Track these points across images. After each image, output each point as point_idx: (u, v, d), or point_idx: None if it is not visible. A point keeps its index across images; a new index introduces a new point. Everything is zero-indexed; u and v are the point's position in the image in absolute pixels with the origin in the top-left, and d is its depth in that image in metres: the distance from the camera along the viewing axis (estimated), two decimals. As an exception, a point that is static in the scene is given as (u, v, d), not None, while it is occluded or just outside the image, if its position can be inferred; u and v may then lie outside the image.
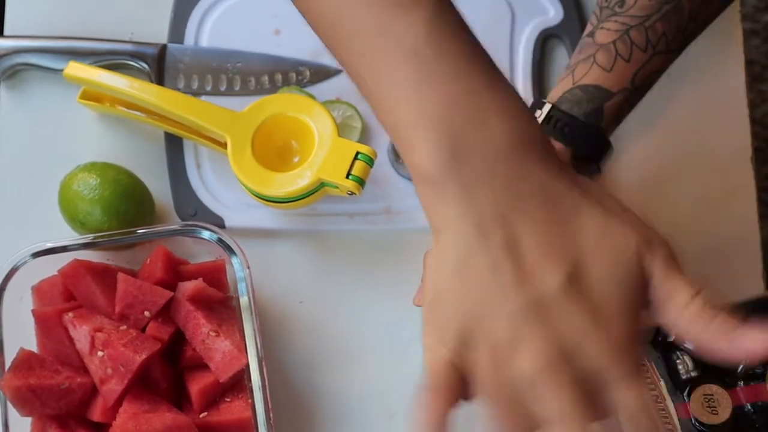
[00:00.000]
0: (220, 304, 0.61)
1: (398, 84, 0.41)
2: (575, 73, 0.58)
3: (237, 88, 0.69)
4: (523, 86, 0.68)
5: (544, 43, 0.69)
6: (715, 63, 0.69)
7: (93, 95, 0.67)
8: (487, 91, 0.41)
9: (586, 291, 0.39)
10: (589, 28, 0.60)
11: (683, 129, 0.68)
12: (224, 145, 0.62)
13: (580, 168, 0.58)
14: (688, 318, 0.40)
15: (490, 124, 0.40)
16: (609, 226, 0.40)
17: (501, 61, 0.65)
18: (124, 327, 0.58)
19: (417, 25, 0.40)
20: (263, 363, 0.58)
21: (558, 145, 0.57)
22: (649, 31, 0.57)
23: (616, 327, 0.39)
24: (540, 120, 0.57)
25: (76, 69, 0.65)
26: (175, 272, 0.61)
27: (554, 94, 0.59)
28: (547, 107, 0.57)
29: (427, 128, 0.40)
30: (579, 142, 0.57)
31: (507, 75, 0.60)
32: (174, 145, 0.67)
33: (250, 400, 0.58)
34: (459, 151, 0.40)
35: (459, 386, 0.40)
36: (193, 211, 0.66)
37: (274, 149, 0.62)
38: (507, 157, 0.40)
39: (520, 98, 0.42)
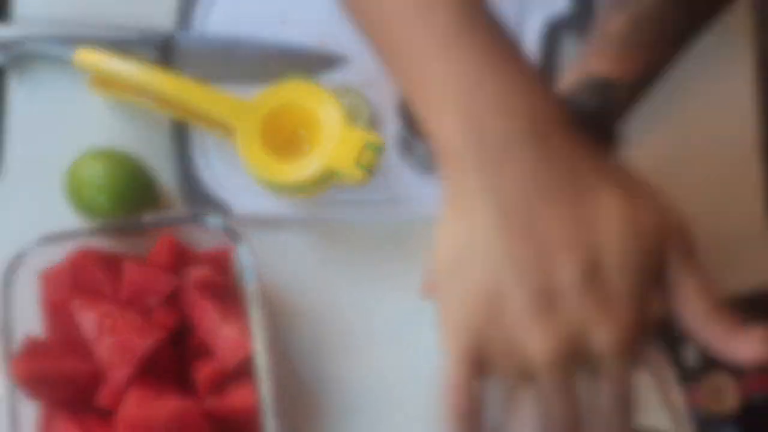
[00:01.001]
0: (226, 292, 0.61)
1: (423, 67, 0.42)
2: (584, 64, 0.58)
3: (243, 75, 0.68)
4: (531, 77, 0.68)
5: (552, 33, 0.69)
6: (724, 55, 0.69)
7: (102, 81, 0.66)
8: (510, 74, 0.41)
9: (600, 277, 0.39)
10: (598, 18, 0.59)
11: (691, 121, 0.68)
12: (233, 133, 0.62)
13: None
14: (695, 315, 0.41)
15: (512, 106, 0.41)
16: (630, 210, 0.40)
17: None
18: (131, 314, 0.58)
19: (445, 11, 0.42)
20: (269, 351, 0.58)
21: None
22: (660, 22, 0.56)
23: (626, 315, 0.39)
24: None
25: (86, 55, 0.64)
26: (181, 260, 0.61)
27: (562, 85, 0.58)
28: (555, 98, 0.57)
29: (450, 111, 0.41)
30: (587, 134, 0.57)
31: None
32: (181, 132, 0.67)
33: (256, 388, 0.58)
34: (482, 132, 0.40)
35: (479, 367, 0.40)
36: (200, 198, 0.66)
37: (283, 138, 0.62)
38: (529, 138, 0.40)
39: (545, 79, 0.43)
